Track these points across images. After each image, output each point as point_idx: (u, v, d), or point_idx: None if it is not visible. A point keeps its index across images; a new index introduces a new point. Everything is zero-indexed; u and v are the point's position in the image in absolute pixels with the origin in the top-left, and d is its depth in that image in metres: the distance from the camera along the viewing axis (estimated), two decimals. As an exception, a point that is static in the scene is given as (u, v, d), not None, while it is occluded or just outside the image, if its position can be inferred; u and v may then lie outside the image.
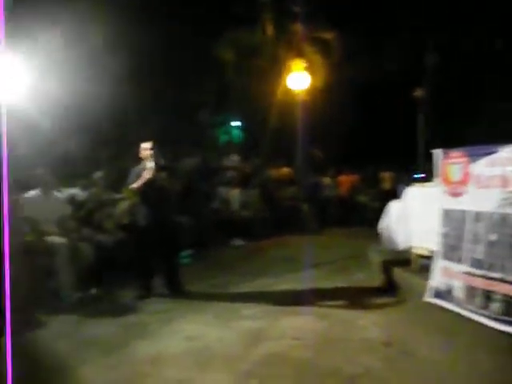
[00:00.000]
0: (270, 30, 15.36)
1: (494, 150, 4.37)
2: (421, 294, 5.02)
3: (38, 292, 5.21)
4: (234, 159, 12.46)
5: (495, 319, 4.07)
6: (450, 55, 13.78)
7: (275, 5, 14.94)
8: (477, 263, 4.42)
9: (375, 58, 14.43)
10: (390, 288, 5.74)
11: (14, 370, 2.08)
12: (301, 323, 4.75)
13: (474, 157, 4.59)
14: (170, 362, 3.89)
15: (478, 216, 4.50)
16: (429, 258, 5.29)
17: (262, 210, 10.98)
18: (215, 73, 14.46)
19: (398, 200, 6.33)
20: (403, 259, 5.93)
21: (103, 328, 4.79)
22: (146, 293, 5.87)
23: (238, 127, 17.29)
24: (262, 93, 14.23)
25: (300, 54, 13.79)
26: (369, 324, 4.63)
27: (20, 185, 5.79)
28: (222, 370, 3.70)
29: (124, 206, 7.19)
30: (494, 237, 4.28)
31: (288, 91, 13.93)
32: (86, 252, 5.98)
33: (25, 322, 4.65)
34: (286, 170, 12.99)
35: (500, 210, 4.23)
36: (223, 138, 16.97)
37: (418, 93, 13.95)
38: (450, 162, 4.94)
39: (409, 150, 13.51)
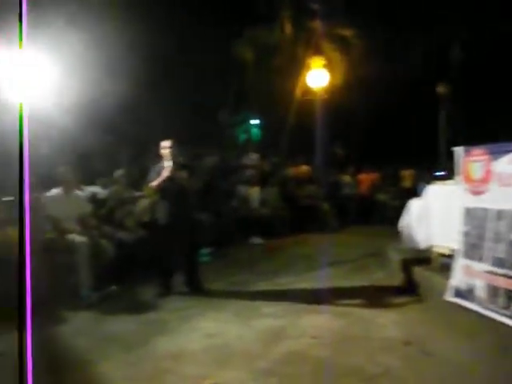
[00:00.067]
0: (288, 27, 15.33)
1: (516, 147, 4.31)
2: (441, 293, 4.97)
3: (59, 289, 5.28)
4: (252, 157, 12.45)
5: (517, 319, 4.02)
6: (476, 50, 13.56)
7: (293, 2, 14.91)
8: (498, 262, 4.35)
9: (395, 53, 14.28)
10: (410, 287, 5.69)
11: (35, 366, 2.11)
12: (320, 322, 4.74)
13: (496, 154, 4.51)
14: (189, 359, 3.92)
15: (499, 214, 4.43)
16: (450, 256, 5.23)
17: (281, 208, 10.98)
18: (234, 72, 14.49)
19: (418, 198, 6.27)
20: (424, 258, 5.87)
21: (123, 325, 4.84)
22: (166, 290, 5.91)
23: (256, 126, 17.29)
24: (281, 91, 14.22)
25: (319, 52, 13.75)
26: (388, 323, 4.60)
27: (43, 183, 5.88)
28: (241, 368, 3.71)
29: (144, 203, 7.26)
30: (516, 235, 4.22)
31: (307, 89, 13.90)
32: (107, 250, 6.03)
33: (46, 319, 4.72)
34: (305, 168, 12.95)
35: (522, 208, 4.17)
36: (243, 137, 16.98)
37: (441, 88, 13.75)
38: (471, 160, 4.87)
39: (430, 148, 13.36)
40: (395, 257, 6.59)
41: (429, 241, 5.80)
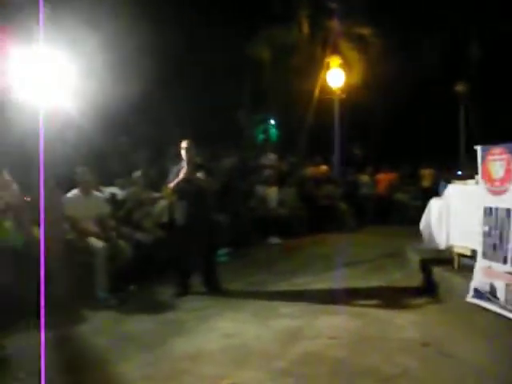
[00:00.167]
0: (305, 27, 15.30)
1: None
2: (461, 294, 4.92)
3: (79, 288, 5.34)
4: (270, 158, 12.45)
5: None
6: (495, 48, 13.38)
7: (311, 2, 14.87)
8: (519, 263, 4.30)
9: (414, 52, 14.17)
10: (429, 287, 5.65)
11: (55, 365, 2.15)
12: (338, 322, 4.73)
13: (517, 153, 4.46)
14: (207, 359, 3.93)
15: (521, 215, 4.37)
16: (470, 257, 5.17)
17: (298, 208, 10.96)
18: (252, 72, 14.50)
19: (438, 198, 6.21)
20: (443, 258, 5.83)
21: (141, 325, 4.87)
22: (184, 291, 5.93)
23: (274, 126, 17.29)
24: (299, 91, 14.19)
25: (336, 51, 13.70)
26: (406, 323, 4.57)
27: (62, 184, 5.94)
28: (258, 368, 3.72)
29: (163, 204, 7.31)
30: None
31: (325, 88, 13.86)
32: (125, 251, 6.07)
33: (66, 317, 4.79)
34: (323, 168, 12.92)
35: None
36: (261, 137, 16.99)
37: (460, 87, 13.61)
38: (491, 159, 4.80)
39: (450, 147, 13.23)
40: (414, 257, 6.55)
41: (449, 241, 5.74)
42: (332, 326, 4.62)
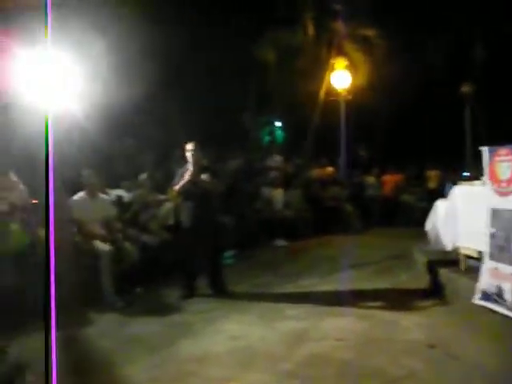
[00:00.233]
0: (310, 29, 15.31)
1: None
2: (468, 295, 4.89)
3: (86, 291, 5.35)
4: (276, 159, 12.46)
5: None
6: (499, 49, 13.34)
7: (316, 4, 14.88)
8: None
9: (419, 53, 14.15)
10: (435, 289, 5.62)
11: (61, 367, 2.15)
12: (344, 324, 4.72)
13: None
14: (213, 361, 3.94)
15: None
16: (477, 258, 5.15)
17: (304, 209, 10.95)
18: (258, 74, 14.51)
19: (444, 199, 6.19)
20: (450, 260, 5.80)
21: (148, 327, 4.88)
22: (190, 293, 5.94)
23: (280, 127, 17.30)
24: (305, 92, 14.19)
25: (341, 53, 13.70)
26: (412, 325, 4.55)
27: (69, 187, 5.95)
28: (264, 370, 3.72)
29: (168, 207, 7.32)
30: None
31: (331, 90, 13.86)
32: (131, 253, 6.09)
33: (72, 320, 4.79)
34: (329, 170, 12.92)
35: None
36: (267, 139, 17.00)
37: (466, 88, 13.56)
38: (498, 160, 4.78)
39: (456, 148, 13.18)
40: (420, 258, 6.52)
41: (455, 242, 5.72)
42: (338, 327, 4.61)
